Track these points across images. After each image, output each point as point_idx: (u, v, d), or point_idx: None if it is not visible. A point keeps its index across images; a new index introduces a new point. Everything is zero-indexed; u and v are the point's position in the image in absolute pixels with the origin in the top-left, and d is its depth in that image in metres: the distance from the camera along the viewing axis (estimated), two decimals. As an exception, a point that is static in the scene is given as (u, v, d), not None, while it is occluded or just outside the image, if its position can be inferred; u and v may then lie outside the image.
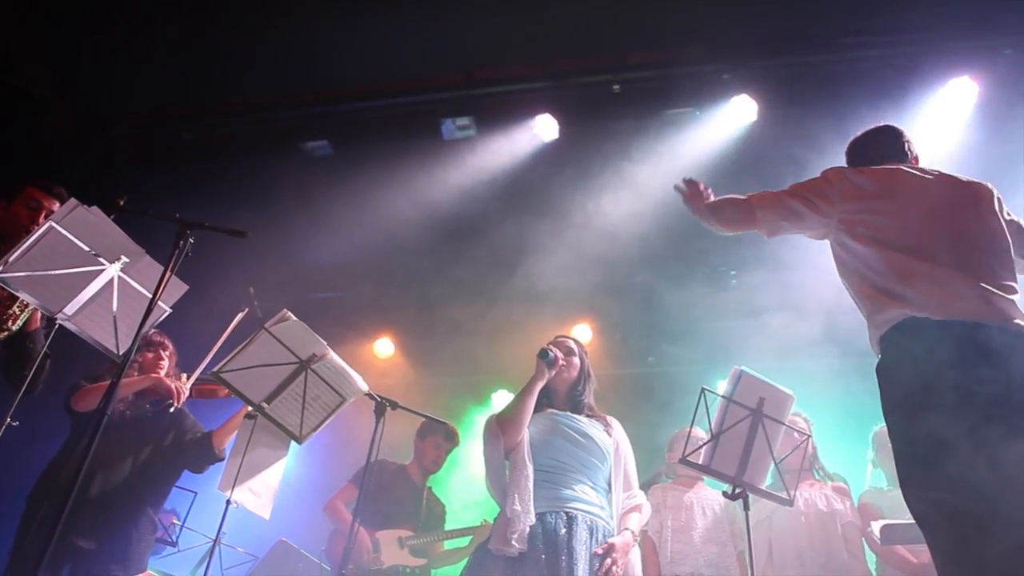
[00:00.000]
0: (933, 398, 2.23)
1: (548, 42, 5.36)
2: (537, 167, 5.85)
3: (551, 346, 3.39)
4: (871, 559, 4.31)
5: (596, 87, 5.71)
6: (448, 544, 4.85)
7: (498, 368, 6.62)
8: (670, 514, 4.17)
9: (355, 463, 4.78)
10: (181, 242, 2.81)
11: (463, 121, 5.86)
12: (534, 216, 5.93)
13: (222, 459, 3.84)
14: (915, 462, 2.27)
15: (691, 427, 3.24)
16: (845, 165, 3.00)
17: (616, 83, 5.64)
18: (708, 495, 4.31)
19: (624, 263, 6.23)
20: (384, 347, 7.36)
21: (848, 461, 4.83)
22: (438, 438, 4.92)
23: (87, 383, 3.68)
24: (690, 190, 2.98)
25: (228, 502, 3.38)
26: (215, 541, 3.62)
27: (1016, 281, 2.49)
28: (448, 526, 4.99)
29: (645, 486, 4.38)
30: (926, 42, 5.26)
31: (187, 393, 3.64)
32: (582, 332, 7.02)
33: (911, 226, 2.50)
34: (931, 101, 5.31)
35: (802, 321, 5.70)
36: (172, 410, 3.59)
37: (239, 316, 3.73)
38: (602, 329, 7.13)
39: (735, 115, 5.56)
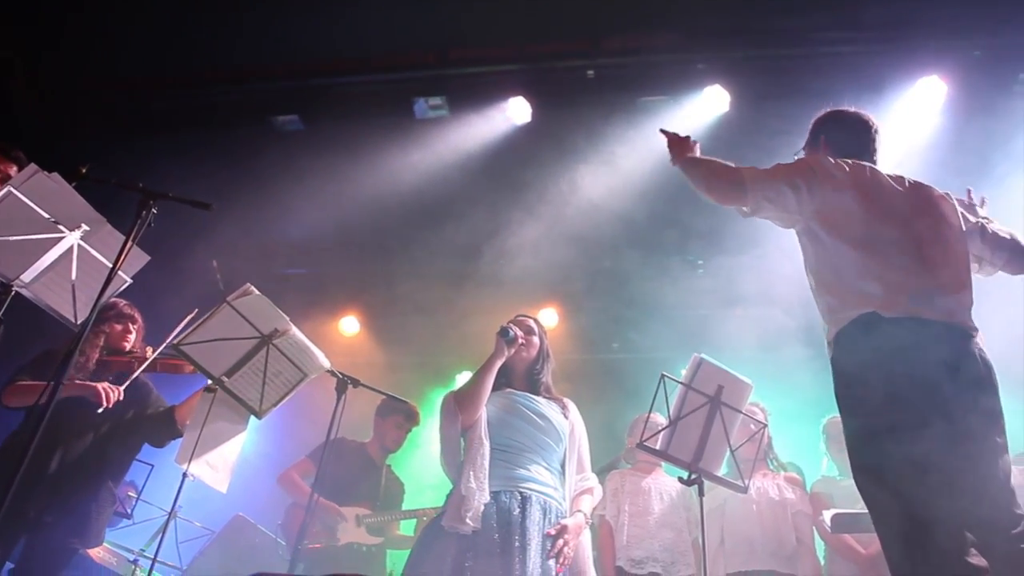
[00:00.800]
0: (883, 391, 2.31)
1: (523, 25, 5.35)
2: (509, 150, 5.84)
3: (511, 324, 3.37)
4: (821, 548, 4.41)
5: (570, 72, 5.71)
6: (404, 525, 4.86)
7: (463, 349, 6.61)
8: (628, 499, 4.23)
9: (315, 440, 4.77)
10: (144, 212, 2.78)
11: (436, 101, 5.82)
12: (504, 199, 5.93)
13: (183, 435, 3.79)
14: (865, 451, 2.36)
15: (649, 412, 3.28)
16: (811, 132, 2.99)
17: (590, 68, 5.65)
18: (665, 481, 4.37)
19: (592, 249, 6.26)
20: (349, 325, 7.34)
21: (814, 451, 4.92)
22: (399, 417, 4.93)
23: (25, 378, 3.56)
24: (673, 137, 2.96)
25: (184, 475, 3.36)
26: (170, 514, 3.59)
27: (968, 282, 2.57)
28: (407, 506, 5.01)
29: (605, 471, 4.45)
30: (899, 40, 5.32)
31: (119, 395, 3.53)
32: (548, 316, 7.05)
33: (876, 226, 2.55)
34: (901, 99, 5.38)
35: (767, 311, 5.79)
36: (100, 411, 3.45)
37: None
38: (568, 313, 7.17)
39: (707, 105, 5.57)
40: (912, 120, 5.41)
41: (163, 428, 3.85)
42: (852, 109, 2.97)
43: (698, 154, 2.91)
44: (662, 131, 3.02)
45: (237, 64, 5.79)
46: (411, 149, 5.93)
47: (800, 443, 5.27)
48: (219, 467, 3.50)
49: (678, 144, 2.96)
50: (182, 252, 4.80)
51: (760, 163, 5.23)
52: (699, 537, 3.23)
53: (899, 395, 2.28)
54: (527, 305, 6.73)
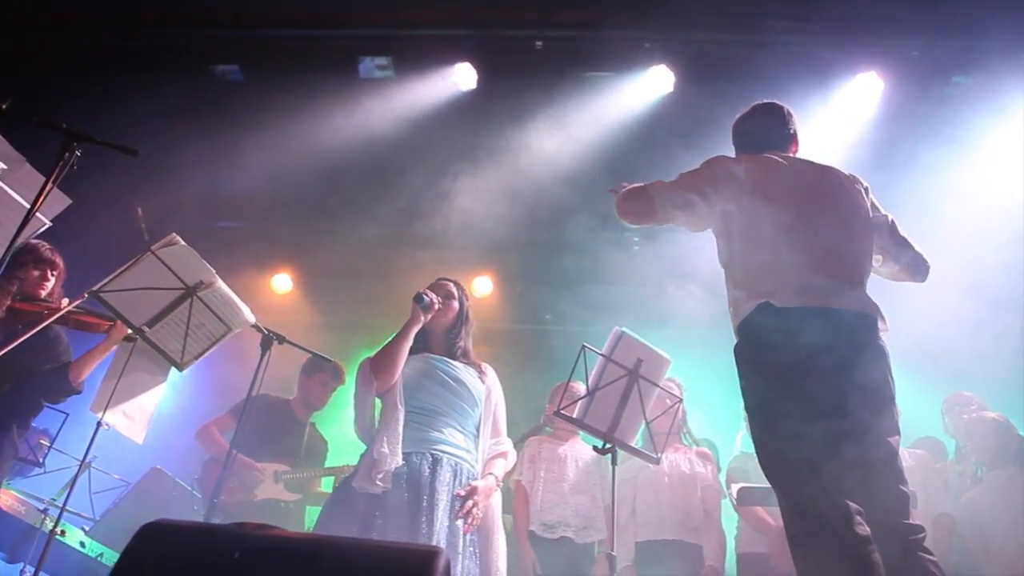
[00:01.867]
0: (776, 378, 2.46)
1: (475, -10, 5.31)
2: (452, 116, 5.79)
3: (427, 290, 3.38)
4: (734, 522, 4.58)
5: (519, 41, 5.67)
6: (325, 482, 4.87)
7: (396, 312, 6.53)
8: (544, 465, 4.31)
9: (240, 395, 4.72)
10: (67, 154, 2.70)
11: (382, 61, 5.74)
12: (445, 165, 5.91)
13: (79, 391, 3.67)
14: (763, 433, 2.51)
15: (568, 382, 3.35)
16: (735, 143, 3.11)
17: (539, 39, 5.61)
18: (582, 449, 4.46)
19: (531, 219, 6.28)
20: (282, 283, 7.25)
21: (734, 429, 5.08)
22: (324, 376, 4.91)
23: None
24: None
25: (99, 424, 3.30)
26: (82, 463, 3.53)
27: (866, 270, 2.70)
28: (331, 464, 5.01)
29: (526, 436, 4.52)
30: (844, 34, 5.42)
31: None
32: (483, 284, 7.09)
33: (776, 220, 2.64)
34: (840, 92, 5.50)
35: (697, 291, 5.91)
36: None
37: None
38: (503, 282, 7.22)
39: (652, 84, 5.62)
40: (848, 113, 5.56)
41: (57, 384, 3.66)
42: (765, 101, 3.07)
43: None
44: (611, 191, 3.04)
45: (177, 7, 5.60)
46: (354, 108, 5.84)
47: (719, 420, 5.44)
48: (136, 417, 3.46)
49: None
50: (107, 199, 4.65)
51: (700, 146, 5.34)
52: (611, 505, 3.32)
53: (792, 382, 2.41)
54: (463, 270, 6.77)
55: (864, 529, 2.25)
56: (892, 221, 2.87)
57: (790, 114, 3.03)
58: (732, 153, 3.06)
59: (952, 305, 5.10)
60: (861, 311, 2.54)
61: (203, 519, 3.21)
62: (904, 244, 2.87)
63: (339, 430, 5.68)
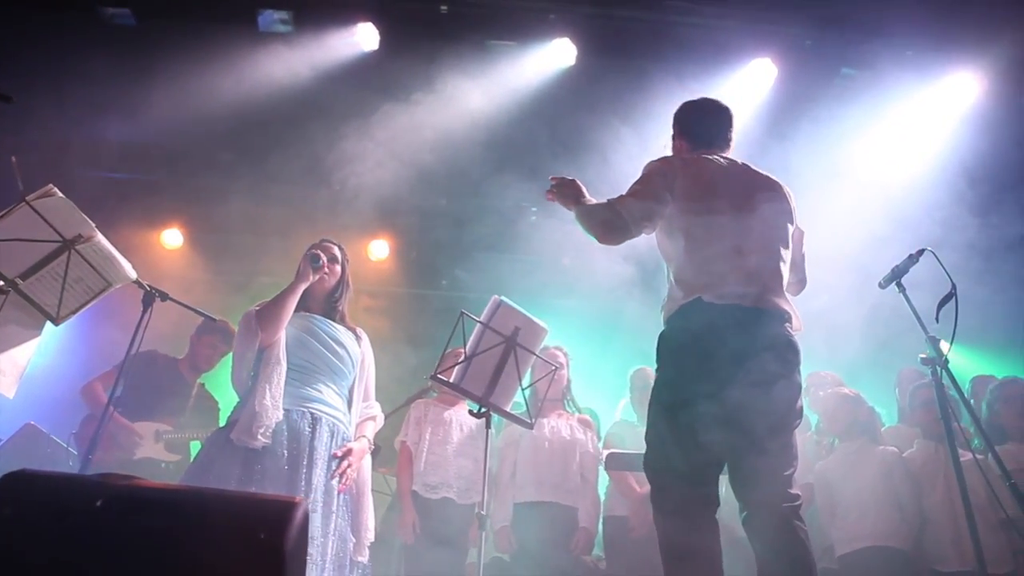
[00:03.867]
0: (686, 368, 2.65)
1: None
2: (353, 76, 5.72)
3: (319, 251, 3.40)
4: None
5: (423, 4, 5.65)
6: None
7: (290, 271, 6.52)
8: (429, 427, 4.40)
9: (123, 353, 4.62)
10: (-69, 95, 2.59)
11: (282, 15, 5.61)
12: (344, 125, 5.81)
13: None
14: (661, 407, 2.70)
15: (446, 348, 3.45)
16: (672, 124, 3.20)
17: (444, 4, 5.61)
18: (468, 414, 4.56)
19: (430, 185, 6.28)
20: (172, 238, 7.04)
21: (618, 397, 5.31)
22: (214, 338, 4.85)
23: None
24: (560, 181, 3.00)
25: (-34, 377, 3.19)
26: (-54, 417, 3.41)
27: (785, 274, 2.86)
28: (223, 423, 4.96)
29: (412, 399, 4.62)
30: (741, 18, 5.60)
31: None
32: (380, 247, 7.09)
33: (712, 219, 2.78)
34: (734, 76, 5.70)
35: (596, 262, 6.07)
36: None
37: None
38: (400, 246, 7.23)
39: (554, 56, 5.69)
40: (740, 98, 5.77)
41: None
42: (706, 97, 3.17)
43: (585, 195, 2.97)
44: (552, 179, 3.04)
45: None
46: (252, 61, 5.70)
47: (604, 389, 5.66)
48: (7, 371, 3.34)
49: (567, 187, 3.00)
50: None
51: (598, 120, 5.45)
52: (492, 467, 3.45)
53: (705, 372, 2.58)
54: (359, 232, 6.76)
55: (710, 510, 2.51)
56: (803, 234, 3.06)
57: (732, 117, 3.12)
58: (650, 130, 3.17)
59: (833, 281, 5.42)
60: (779, 311, 2.71)
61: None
62: (803, 260, 3.06)
63: (232, 391, 5.63)
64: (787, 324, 2.72)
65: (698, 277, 2.71)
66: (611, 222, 2.83)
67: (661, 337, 2.79)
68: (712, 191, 2.82)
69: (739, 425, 2.53)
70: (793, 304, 2.80)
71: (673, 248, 2.84)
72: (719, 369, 2.56)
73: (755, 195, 2.86)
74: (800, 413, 2.69)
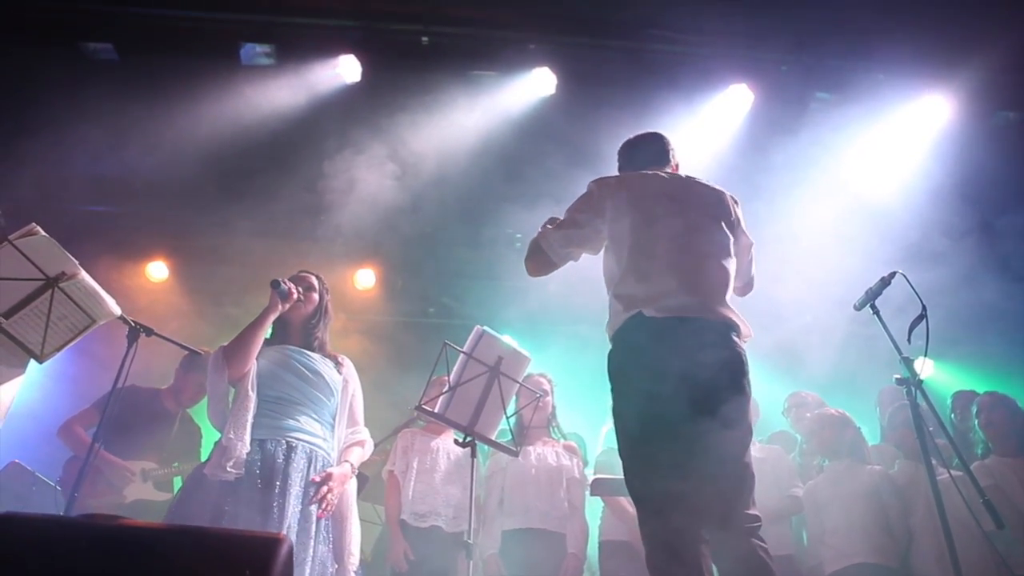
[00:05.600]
0: (635, 385, 2.63)
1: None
2: (335, 107, 5.78)
3: (284, 279, 3.40)
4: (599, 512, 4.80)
5: (405, 35, 5.71)
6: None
7: (274, 304, 6.53)
8: (416, 456, 4.41)
9: (107, 389, 4.59)
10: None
11: (264, 48, 5.67)
12: (328, 157, 5.87)
13: None
14: (620, 437, 2.69)
15: (430, 377, 3.47)
16: (617, 164, 3.29)
17: (425, 35, 5.68)
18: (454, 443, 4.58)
19: (414, 213, 6.32)
20: (158, 270, 7.03)
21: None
22: (201, 377, 4.79)
23: None
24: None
25: (-51, 416, 3.18)
26: (-70, 456, 3.39)
27: (729, 283, 2.87)
28: (206, 453, 4.91)
29: (400, 429, 4.62)
30: (718, 46, 5.69)
31: None
32: (366, 276, 7.11)
33: (646, 233, 2.82)
34: (711, 102, 5.79)
35: (579, 288, 6.11)
36: None
37: None
38: (386, 275, 7.25)
39: (535, 86, 5.76)
40: (717, 124, 5.87)
41: None
42: (644, 132, 3.26)
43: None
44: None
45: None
46: (234, 95, 5.74)
47: (590, 415, 5.67)
48: (-9, 409, 3.34)
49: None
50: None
51: (581, 147, 5.49)
52: (479, 495, 3.46)
53: (652, 386, 2.57)
54: (346, 262, 6.79)
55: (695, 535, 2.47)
56: (752, 244, 3.08)
57: (668, 141, 3.22)
58: (612, 163, 3.24)
59: (814, 301, 5.48)
60: (722, 321, 2.70)
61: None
62: (750, 265, 3.09)
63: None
64: (733, 334, 2.72)
65: (637, 290, 2.72)
66: (533, 255, 3.01)
67: (608, 357, 2.79)
68: (650, 204, 2.87)
69: (692, 446, 2.52)
70: (738, 312, 2.79)
71: (615, 264, 2.86)
72: (668, 390, 2.53)
73: (696, 206, 2.91)
74: (751, 429, 2.68)
